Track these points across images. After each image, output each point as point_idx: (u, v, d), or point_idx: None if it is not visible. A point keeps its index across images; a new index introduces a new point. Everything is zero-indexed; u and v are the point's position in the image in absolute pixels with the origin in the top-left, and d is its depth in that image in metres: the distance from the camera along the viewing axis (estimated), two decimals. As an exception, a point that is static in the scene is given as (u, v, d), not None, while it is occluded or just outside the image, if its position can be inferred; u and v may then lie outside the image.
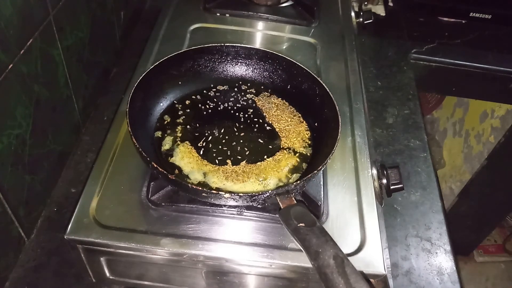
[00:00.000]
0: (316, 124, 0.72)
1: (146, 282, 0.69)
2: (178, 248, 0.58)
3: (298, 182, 0.58)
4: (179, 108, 0.74)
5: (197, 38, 0.95)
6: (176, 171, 0.64)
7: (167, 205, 0.63)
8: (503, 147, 1.43)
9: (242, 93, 0.78)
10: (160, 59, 0.70)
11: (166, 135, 0.69)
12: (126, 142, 0.70)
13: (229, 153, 0.68)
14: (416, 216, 0.77)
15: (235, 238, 0.60)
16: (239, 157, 0.67)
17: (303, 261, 0.58)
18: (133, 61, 0.89)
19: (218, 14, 1.02)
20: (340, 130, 0.62)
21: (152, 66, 0.68)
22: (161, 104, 0.73)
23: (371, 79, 1.02)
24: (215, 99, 0.76)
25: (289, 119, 0.74)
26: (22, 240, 0.67)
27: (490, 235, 1.94)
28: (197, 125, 0.71)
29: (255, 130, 0.72)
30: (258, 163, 0.66)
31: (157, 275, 0.68)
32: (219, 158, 0.67)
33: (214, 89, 0.78)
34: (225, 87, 0.78)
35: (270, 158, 0.67)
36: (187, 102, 0.75)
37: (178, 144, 0.68)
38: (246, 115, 0.74)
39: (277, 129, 0.72)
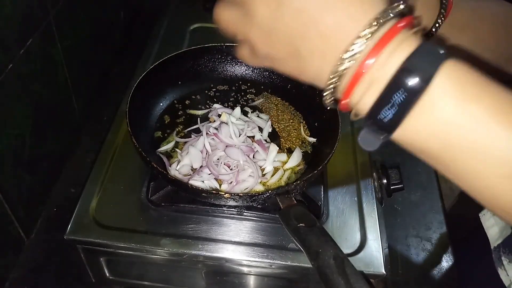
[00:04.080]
0: (316, 124, 0.72)
1: (146, 283, 0.69)
2: (178, 248, 0.58)
3: (298, 182, 0.57)
4: (179, 108, 0.74)
5: (197, 38, 0.95)
6: (176, 171, 0.64)
7: (167, 205, 0.63)
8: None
9: (242, 93, 0.78)
10: (160, 59, 0.70)
11: (166, 135, 0.69)
12: (126, 142, 0.70)
13: (229, 153, 0.67)
14: (417, 216, 0.77)
15: (235, 238, 0.60)
16: (239, 157, 0.67)
17: (303, 261, 0.58)
18: (133, 61, 0.88)
19: (218, 14, 1.02)
20: (340, 130, 0.62)
21: (152, 66, 0.68)
22: (161, 104, 0.73)
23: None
24: (215, 99, 0.76)
25: (289, 119, 0.74)
26: (22, 240, 0.67)
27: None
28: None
29: (255, 130, 0.72)
30: (258, 163, 0.66)
31: (157, 276, 0.68)
32: (219, 158, 0.66)
33: (214, 89, 0.78)
34: (225, 87, 0.78)
35: (270, 158, 0.67)
36: (187, 102, 0.75)
37: (178, 144, 0.68)
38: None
39: (277, 129, 0.72)
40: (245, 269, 0.63)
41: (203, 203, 0.62)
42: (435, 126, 0.29)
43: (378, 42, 0.29)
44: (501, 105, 0.28)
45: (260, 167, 0.64)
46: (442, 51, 0.29)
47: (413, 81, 0.27)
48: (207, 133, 0.66)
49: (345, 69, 0.30)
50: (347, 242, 0.61)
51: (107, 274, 0.67)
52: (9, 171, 0.60)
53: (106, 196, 0.64)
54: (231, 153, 0.64)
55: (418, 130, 0.29)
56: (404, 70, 0.28)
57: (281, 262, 0.58)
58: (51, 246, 0.68)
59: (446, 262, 0.72)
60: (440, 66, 0.28)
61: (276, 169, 0.65)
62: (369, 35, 0.28)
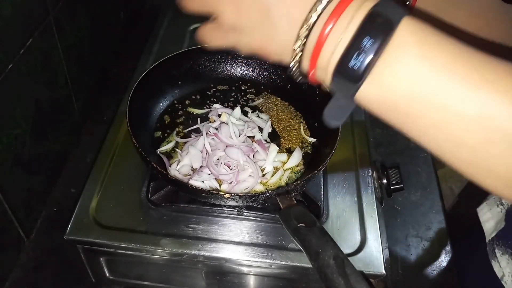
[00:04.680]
0: (316, 124, 0.72)
1: (146, 283, 0.69)
2: (178, 248, 0.58)
3: (298, 182, 0.57)
4: (179, 108, 0.74)
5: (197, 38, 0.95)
6: (176, 171, 0.64)
7: (167, 205, 0.63)
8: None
9: (242, 93, 0.78)
10: (160, 59, 0.70)
11: (166, 135, 0.69)
12: (126, 142, 0.70)
13: (229, 153, 0.67)
14: (417, 216, 0.77)
15: (235, 238, 0.60)
16: (239, 157, 0.67)
17: (303, 261, 0.58)
18: (133, 61, 0.88)
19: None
20: (340, 130, 0.62)
21: (152, 66, 0.68)
22: (161, 104, 0.73)
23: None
24: (215, 99, 0.76)
25: (289, 119, 0.74)
26: (21, 240, 0.67)
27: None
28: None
29: (255, 130, 0.72)
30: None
31: (157, 276, 0.67)
32: (219, 158, 0.66)
33: (214, 89, 0.78)
34: (225, 87, 0.78)
35: (270, 158, 0.67)
36: (187, 102, 0.75)
37: (178, 144, 0.68)
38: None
39: (277, 129, 0.72)
40: (245, 269, 0.63)
41: (203, 203, 0.62)
42: (399, 78, 0.30)
43: (338, 4, 0.30)
44: (458, 54, 0.29)
45: (260, 167, 0.64)
46: (400, 8, 0.30)
47: (376, 32, 0.29)
48: (207, 133, 0.66)
49: (307, 32, 0.31)
50: (347, 242, 0.61)
51: (107, 274, 0.67)
52: (9, 171, 0.60)
53: (106, 196, 0.64)
54: (231, 153, 0.64)
55: (384, 85, 0.30)
56: (368, 22, 0.29)
57: (281, 262, 0.58)
58: (51, 246, 0.68)
59: (446, 262, 0.72)
60: (400, 20, 0.30)
61: (276, 169, 0.65)
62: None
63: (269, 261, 0.58)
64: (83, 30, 0.79)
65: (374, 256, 0.60)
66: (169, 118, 0.72)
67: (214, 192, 0.55)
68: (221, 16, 0.34)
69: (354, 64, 0.30)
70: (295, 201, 0.55)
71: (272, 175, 0.64)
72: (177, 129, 0.70)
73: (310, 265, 0.48)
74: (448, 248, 0.73)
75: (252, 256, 0.59)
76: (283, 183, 0.64)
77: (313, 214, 0.53)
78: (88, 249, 0.62)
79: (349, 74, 0.31)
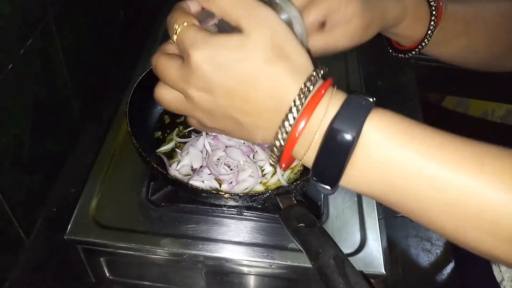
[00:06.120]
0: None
1: (146, 283, 0.68)
2: (178, 248, 0.58)
3: (298, 182, 0.57)
4: (179, 108, 0.73)
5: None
6: (176, 171, 0.64)
7: (167, 205, 0.63)
8: (503, 147, 1.43)
9: (242, 93, 0.77)
10: (159, 59, 0.69)
11: (166, 135, 0.69)
12: (126, 142, 0.70)
13: (229, 153, 0.67)
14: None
15: (235, 238, 0.60)
16: (239, 157, 0.67)
17: (303, 261, 0.58)
18: (133, 60, 0.88)
19: (217, 14, 1.01)
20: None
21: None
22: (161, 104, 0.73)
23: (371, 79, 1.02)
24: (215, 99, 0.76)
25: (289, 119, 0.74)
26: (21, 240, 0.66)
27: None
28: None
29: (255, 130, 0.72)
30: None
31: (157, 276, 0.67)
32: (219, 158, 0.66)
33: (214, 89, 0.77)
34: (225, 87, 0.78)
35: (270, 158, 0.67)
36: (187, 102, 0.75)
37: (178, 144, 0.68)
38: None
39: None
40: (245, 269, 0.63)
41: (203, 203, 0.62)
42: (371, 174, 0.31)
43: (305, 107, 0.30)
44: (427, 146, 0.29)
45: (260, 167, 0.64)
46: (366, 102, 0.30)
47: (342, 138, 0.29)
48: (207, 133, 0.66)
49: (283, 139, 0.31)
50: (347, 242, 0.61)
51: (107, 274, 0.67)
52: (8, 171, 0.60)
53: (106, 196, 0.63)
54: (231, 153, 0.64)
55: (359, 180, 0.32)
56: (333, 130, 0.30)
57: (281, 262, 0.58)
58: (51, 246, 0.67)
59: (446, 262, 0.72)
60: (367, 118, 0.30)
61: (275, 169, 0.65)
62: (300, 105, 0.30)
63: (269, 261, 0.58)
64: (83, 30, 0.79)
65: (374, 256, 0.60)
66: (169, 118, 0.72)
67: (214, 192, 0.55)
68: (200, 121, 0.35)
69: (325, 174, 0.31)
70: (295, 201, 0.55)
71: (272, 175, 0.64)
72: (177, 129, 0.70)
73: (310, 265, 0.47)
74: (448, 248, 0.73)
75: (252, 256, 0.59)
76: (283, 183, 0.64)
77: (313, 214, 0.53)
78: (88, 249, 0.62)
79: (323, 179, 0.32)
